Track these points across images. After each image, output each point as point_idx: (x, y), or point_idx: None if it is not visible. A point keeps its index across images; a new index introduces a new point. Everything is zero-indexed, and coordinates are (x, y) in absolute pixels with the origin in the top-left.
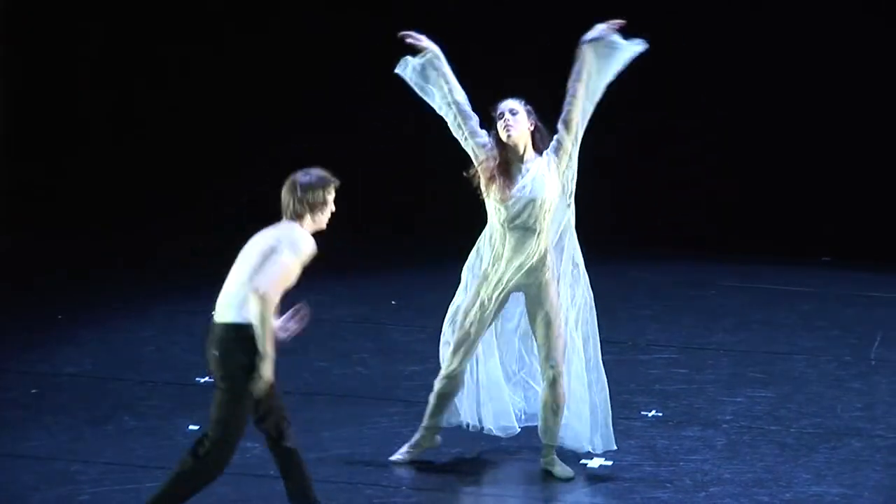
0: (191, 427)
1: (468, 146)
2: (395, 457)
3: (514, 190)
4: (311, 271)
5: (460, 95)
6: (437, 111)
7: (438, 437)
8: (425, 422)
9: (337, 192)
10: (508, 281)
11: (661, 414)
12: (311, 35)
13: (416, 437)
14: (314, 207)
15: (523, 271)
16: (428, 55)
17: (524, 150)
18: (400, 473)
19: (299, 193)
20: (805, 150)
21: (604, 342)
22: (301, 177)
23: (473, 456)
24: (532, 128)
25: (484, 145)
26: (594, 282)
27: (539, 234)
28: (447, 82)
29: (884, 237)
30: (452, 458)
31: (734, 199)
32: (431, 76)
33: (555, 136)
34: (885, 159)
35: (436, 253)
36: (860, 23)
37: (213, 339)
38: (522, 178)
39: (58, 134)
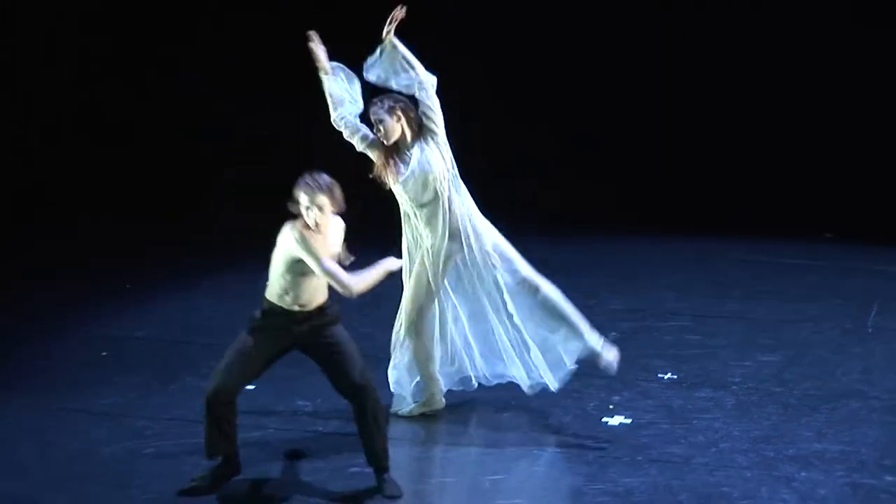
0: (248, 386)
1: (363, 150)
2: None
3: (405, 170)
4: (355, 246)
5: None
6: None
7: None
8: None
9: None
10: (438, 251)
11: (676, 376)
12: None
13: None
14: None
15: (446, 239)
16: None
17: (403, 138)
18: (435, 429)
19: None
20: (810, 135)
21: (625, 311)
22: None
23: (505, 414)
24: (400, 119)
25: (373, 141)
26: (620, 259)
27: (443, 202)
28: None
29: (881, 215)
30: (484, 416)
31: (747, 180)
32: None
33: (424, 124)
34: (884, 142)
35: None
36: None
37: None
38: (410, 160)
39: (113, 123)
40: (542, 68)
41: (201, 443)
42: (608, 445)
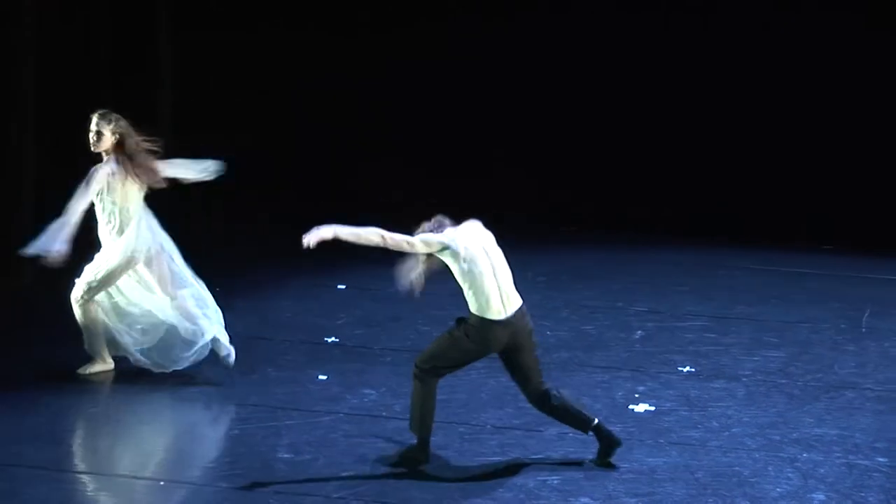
0: (320, 377)
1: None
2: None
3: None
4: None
5: None
6: None
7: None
8: None
9: None
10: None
11: (694, 370)
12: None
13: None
14: None
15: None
16: None
17: (106, 152)
18: (485, 416)
19: None
20: (817, 157)
21: (649, 312)
22: None
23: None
24: (116, 137)
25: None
26: (646, 267)
27: (114, 211)
28: None
29: (874, 229)
30: (525, 405)
31: (760, 197)
32: None
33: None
34: (880, 161)
35: (520, 238)
36: (861, 17)
37: (520, 319)
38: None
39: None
40: (569, 75)
41: (280, 426)
42: (634, 430)
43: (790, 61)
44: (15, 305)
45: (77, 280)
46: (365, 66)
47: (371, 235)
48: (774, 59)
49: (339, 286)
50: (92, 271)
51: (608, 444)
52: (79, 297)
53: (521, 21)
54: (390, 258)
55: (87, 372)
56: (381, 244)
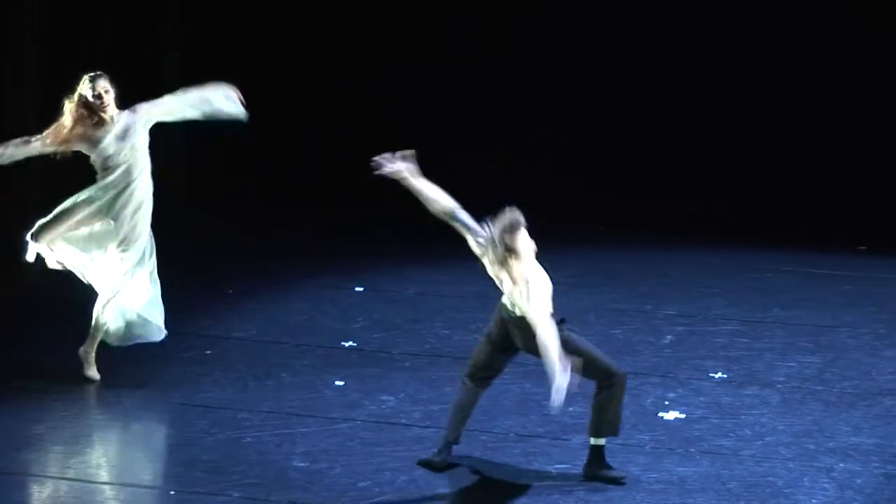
0: (337, 382)
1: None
2: None
3: (107, 136)
4: (441, 255)
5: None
6: None
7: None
8: None
9: None
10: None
11: (726, 375)
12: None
13: None
14: None
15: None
16: None
17: (114, 112)
18: (508, 423)
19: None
20: (846, 156)
21: (679, 315)
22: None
23: (570, 409)
24: (115, 91)
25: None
26: (675, 268)
27: (131, 168)
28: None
29: None
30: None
31: (792, 196)
32: None
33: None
34: None
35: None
36: (868, 16)
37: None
38: (115, 128)
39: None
40: (570, 75)
41: (295, 433)
42: (664, 438)
43: (824, 65)
44: (15, 305)
45: (104, 288)
46: (365, 66)
47: (444, 200)
48: (810, 63)
49: (357, 288)
50: (120, 271)
51: (589, 466)
52: (107, 304)
53: (522, 21)
54: (410, 259)
55: (90, 375)
56: (443, 215)
